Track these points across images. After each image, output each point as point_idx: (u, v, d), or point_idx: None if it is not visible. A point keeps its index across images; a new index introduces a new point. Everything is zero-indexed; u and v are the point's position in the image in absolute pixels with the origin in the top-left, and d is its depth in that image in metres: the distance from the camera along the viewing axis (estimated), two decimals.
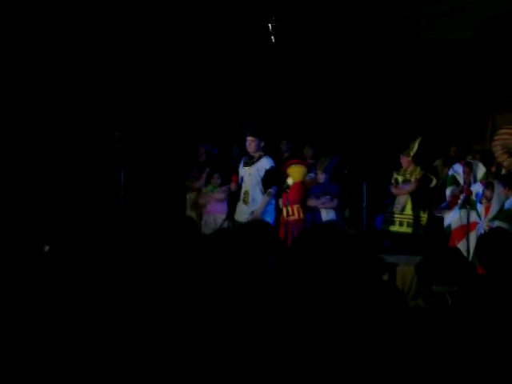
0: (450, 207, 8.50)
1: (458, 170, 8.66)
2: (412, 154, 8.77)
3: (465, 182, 8.45)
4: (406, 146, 8.83)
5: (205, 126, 10.45)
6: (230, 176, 8.73)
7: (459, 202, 8.31)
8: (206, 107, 10.61)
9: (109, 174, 8.99)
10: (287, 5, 10.12)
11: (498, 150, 8.83)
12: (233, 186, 8.38)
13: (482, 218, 7.99)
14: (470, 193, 8.08)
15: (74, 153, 9.43)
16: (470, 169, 8.51)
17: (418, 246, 8.11)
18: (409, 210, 8.56)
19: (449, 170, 8.80)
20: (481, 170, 8.59)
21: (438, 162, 9.79)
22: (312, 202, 8.79)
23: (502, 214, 7.80)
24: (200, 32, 10.21)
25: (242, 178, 8.17)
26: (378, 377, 2.62)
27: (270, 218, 7.83)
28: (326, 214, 8.73)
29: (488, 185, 8.10)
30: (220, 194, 8.82)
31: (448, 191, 8.64)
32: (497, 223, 7.62)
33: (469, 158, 9.08)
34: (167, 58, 10.25)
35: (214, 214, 8.79)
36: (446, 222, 8.43)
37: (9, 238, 3.58)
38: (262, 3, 10.03)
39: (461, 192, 8.44)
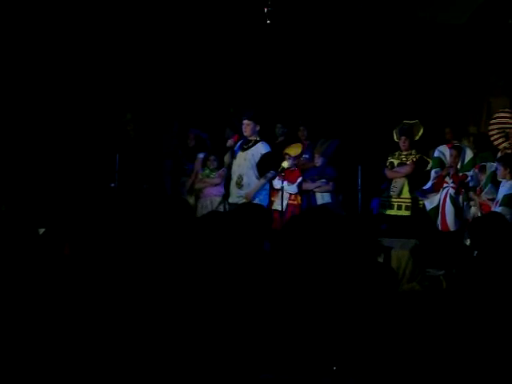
0: (434, 190, 8.45)
1: (444, 151, 8.59)
2: (417, 138, 8.69)
3: (451, 166, 8.38)
4: (407, 129, 8.72)
5: (198, 109, 10.42)
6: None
7: (445, 185, 8.30)
8: (200, 90, 10.58)
9: (111, 156, 8.98)
10: None
11: (494, 134, 8.82)
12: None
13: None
14: (466, 177, 8.09)
15: (73, 134, 9.44)
16: (457, 152, 8.44)
17: (414, 229, 8.09)
18: (406, 193, 8.51)
19: (434, 151, 8.73)
20: (468, 156, 8.53)
21: None
22: (308, 186, 8.80)
23: (503, 199, 7.71)
24: (195, 15, 10.16)
25: (234, 162, 8.18)
26: (374, 356, 2.64)
27: (263, 203, 7.81)
28: (322, 198, 8.74)
29: (481, 168, 8.10)
30: (216, 179, 8.86)
31: (433, 173, 8.53)
32: (500, 209, 7.53)
33: (464, 141, 9.03)
34: (163, 43, 10.22)
35: (211, 197, 8.82)
36: (430, 205, 8.40)
37: (4, 219, 3.57)
38: None
39: (447, 174, 8.42)
